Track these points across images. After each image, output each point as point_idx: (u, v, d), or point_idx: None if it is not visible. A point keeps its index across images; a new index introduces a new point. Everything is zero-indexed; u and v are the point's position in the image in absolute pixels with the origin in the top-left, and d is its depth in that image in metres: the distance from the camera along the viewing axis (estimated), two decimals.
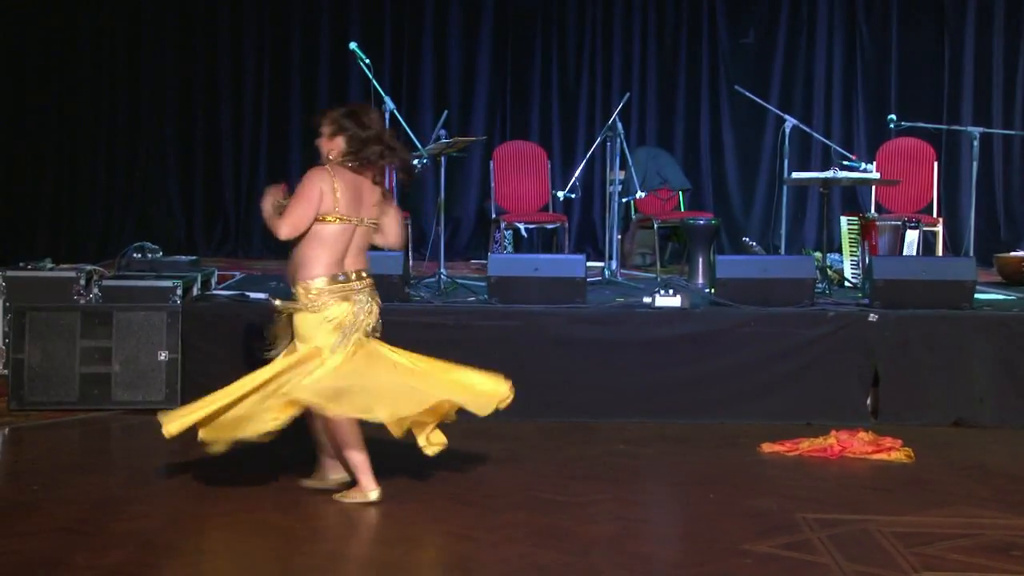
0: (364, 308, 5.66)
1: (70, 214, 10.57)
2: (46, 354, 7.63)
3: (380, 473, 5.99)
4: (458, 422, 7.37)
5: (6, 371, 7.94)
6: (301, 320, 5.56)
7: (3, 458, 7.02)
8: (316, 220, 5.44)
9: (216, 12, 10.91)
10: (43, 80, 10.54)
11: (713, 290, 8.13)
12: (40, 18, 10.49)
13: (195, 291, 8.30)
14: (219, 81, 10.96)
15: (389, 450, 6.71)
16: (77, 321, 7.70)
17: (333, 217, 5.46)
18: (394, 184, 6.54)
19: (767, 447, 6.94)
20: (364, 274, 5.68)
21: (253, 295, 8.02)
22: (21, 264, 8.87)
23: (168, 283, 8.17)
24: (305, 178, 5.50)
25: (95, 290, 8.38)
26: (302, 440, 6.15)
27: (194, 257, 8.92)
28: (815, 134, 10.16)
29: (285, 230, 5.44)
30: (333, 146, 5.57)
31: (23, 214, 10.46)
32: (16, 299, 8.21)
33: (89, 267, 8.78)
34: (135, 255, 8.85)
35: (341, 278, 5.53)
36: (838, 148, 9.78)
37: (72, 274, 8.56)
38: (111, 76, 10.74)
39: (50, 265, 8.89)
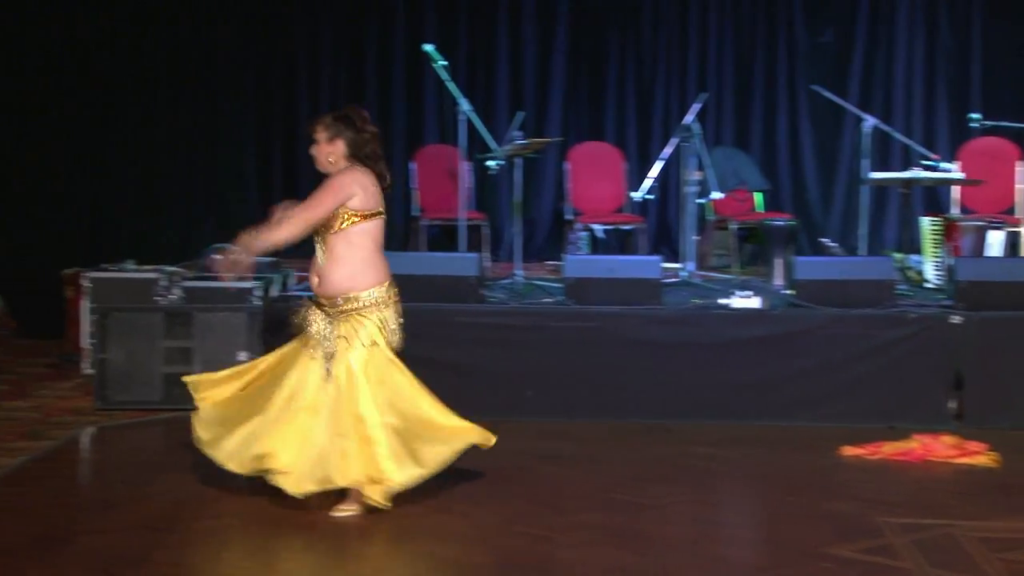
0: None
1: (152, 216, 10.71)
2: (129, 354, 7.75)
3: (455, 474, 6.01)
4: (534, 422, 7.40)
5: (91, 371, 8.08)
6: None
7: (88, 456, 7.14)
8: (363, 218, 5.53)
9: (293, 13, 11.00)
10: (123, 83, 10.69)
11: (792, 291, 8.05)
12: (116, 16, 10.64)
13: (274, 292, 8.38)
14: (296, 83, 11.05)
15: (467, 452, 6.73)
16: (159, 322, 7.81)
17: (374, 211, 5.57)
18: None
19: (848, 450, 6.87)
20: None
21: None
22: (105, 266, 9.01)
23: (247, 284, 8.26)
24: (337, 176, 5.54)
25: (177, 291, 8.49)
26: None
27: (273, 258, 8.99)
28: (895, 133, 10.03)
29: (306, 218, 5.48)
30: (333, 149, 5.61)
31: (107, 216, 10.62)
32: (100, 300, 8.34)
33: (171, 268, 8.90)
34: (216, 256, 8.93)
35: (388, 283, 5.68)
36: (919, 147, 9.64)
37: (154, 275, 8.68)
38: (191, 78, 10.87)
39: (133, 267, 9.03)
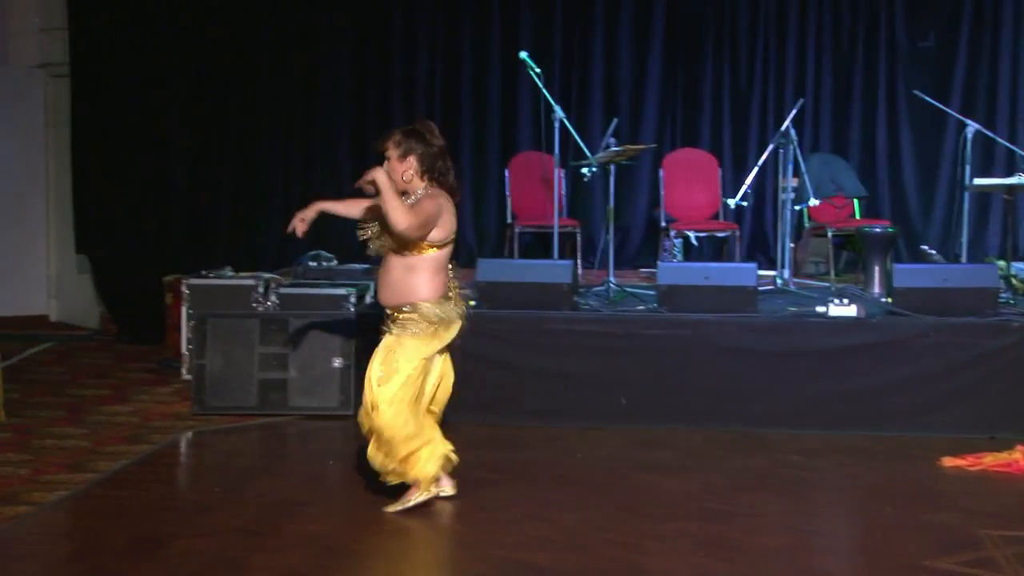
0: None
1: (249, 222, 10.85)
2: (227, 360, 7.85)
3: (546, 481, 6.00)
4: (627, 430, 7.38)
5: (189, 376, 8.21)
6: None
7: (186, 461, 7.25)
8: (434, 248, 5.59)
9: (390, 21, 11.06)
10: (222, 91, 10.85)
11: (890, 299, 7.92)
12: (219, 26, 10.81)
13: (368, 299, 8.44)
14: (391, 91, 11.11)
15: (559, 459, 6.74)
16: (256, 328, 7.90)
17: (446, 241, 5.62)
18: None
19: (948, 461, 6.73)
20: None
21: None
22: (203, 272, 9.16)
23: (342, 291, 8.34)
24: (427, 199, 5.57)
25: (273, 298, 8.60)
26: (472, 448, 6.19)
27: (367, 265, 9.07)
28: (999, 139, 9.82)
29: (412, 228, 5.45)
30: (407, 166, 5.60)
31: (205, 223, 10.79)
32: (198, 306, 8.48)
33: (267, 275, 9.03)
34: (311, 263, 9.06)
35: (450, 295, 5.74)
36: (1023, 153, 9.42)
37: (251, 282, 8.81)
38: (288, 86, 10.99)
39: (230, 273, 9.16)
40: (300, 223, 5.84)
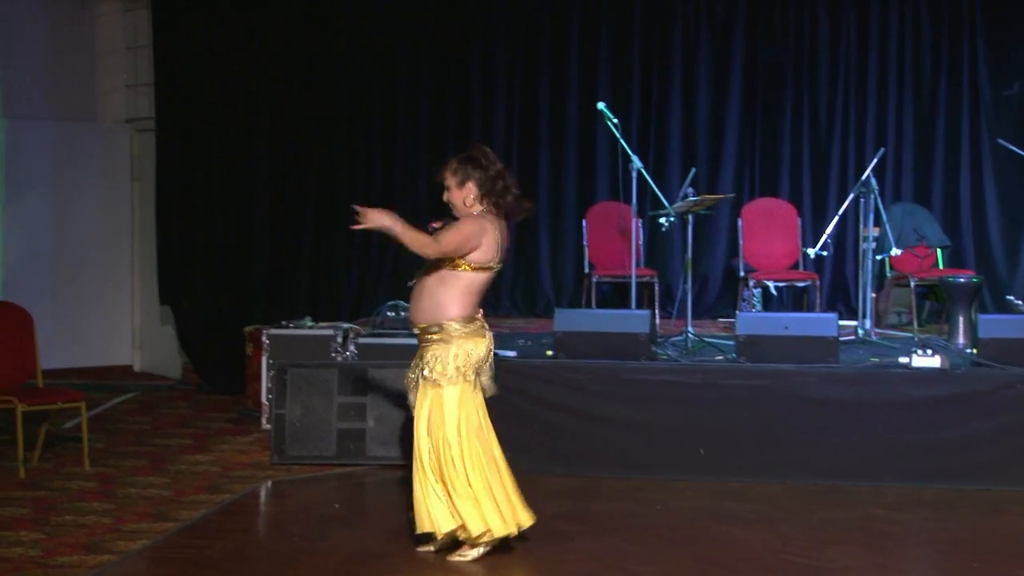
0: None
1: (328, 273, 10.95)
2: (306, 409, 7.91)
3: (627, 533, 5.94)
4: (706, 481, 7.30)
5: (269, 426, 8.27)
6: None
7: (266, 509, 7.29)
8: (472, 269, 5.54)
9: (468, 73, 11.16)
10: (302, 144, 10.99)
11: (975, 350, 7.79)
12: (300, 81, 10.97)
13: None
14: (470, 142, 11.13)
15: (638, 510, 6.69)
16: (335, 378, 7.95)
17: (486, 265, 5.57)
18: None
19: None
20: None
21: (502, 352, 8.09)
22: (283, 323, 9.25)
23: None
24: (472, 219, 5.56)
25: (351, 348, 8.66)
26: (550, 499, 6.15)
27: None
28: None
29: (445, 247, 5.49)
30: (466, 193, 5.61)
31: (285, 274, 10.91)
32: (278, 356, 8.56)
33: (346, 325, 9.10)
34: (389, 313, 9.11)
35: (477, 318, 5.68)
36: None
37: (330, 332, 8.89)
38: (367, 139, 11.11)
39: (310, 323, 9.24)
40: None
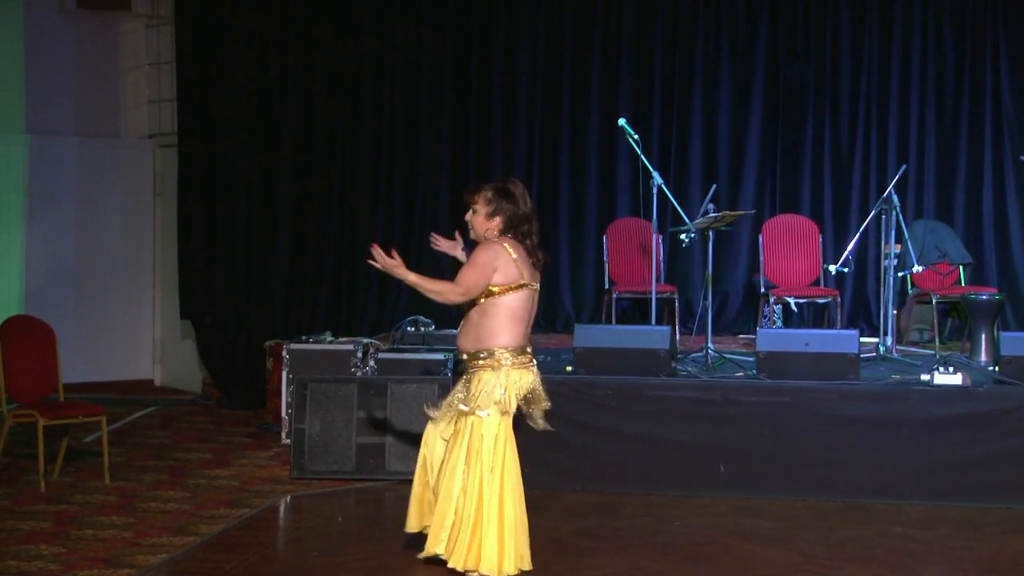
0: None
1: (348, 288, 10.97)
2: (325, 424, 7.91)
3: (646, 550, 5.91)
4: (727, 498, 7.28)
5: (289, 440, 8.28)
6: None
7: (285, 524, 7.30)
8: (503, 291, 5.49)
9: (490, 86, 11.19)
10: (323, 161, 11.02)
11: (997, 368, 7.74)
12: (321, 99, 11.02)
13: None
14: (491, 158, 11.21)
15: (658, 526, 6.67)
16: (354, 393, 7.96)
17: (516, 283, 5.50)
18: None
19: None
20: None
21: None
22: (303, 338, 9.26)
23: (440, 356, 8.37)
24: (483, 247, 5.54)
25: (371, 363, 8.67)
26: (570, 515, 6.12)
27: None
28: None
29: (465, 290, 5.48)
30: (492, 225, 5.58)
31: (305, 290, 10.93)
32: (298, 371, 8.57)
33: (366, 340, 9.11)
34: (409, 328, 9.12)
35: (528, 350, 5.64)
36: None
37: (350, 347, 8.89)
38: (389, 155, 11.14)
39: (330, 338, 9.26)
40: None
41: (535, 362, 5.65)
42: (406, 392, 7.85)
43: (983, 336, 8.63)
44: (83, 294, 11.51)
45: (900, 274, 9.04)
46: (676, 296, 9.98)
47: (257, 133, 10.97)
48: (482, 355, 5.51)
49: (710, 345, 8.55)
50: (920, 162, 10.81)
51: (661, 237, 10.02)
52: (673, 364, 7.99)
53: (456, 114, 11.22)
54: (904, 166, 9.39)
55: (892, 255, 8.77)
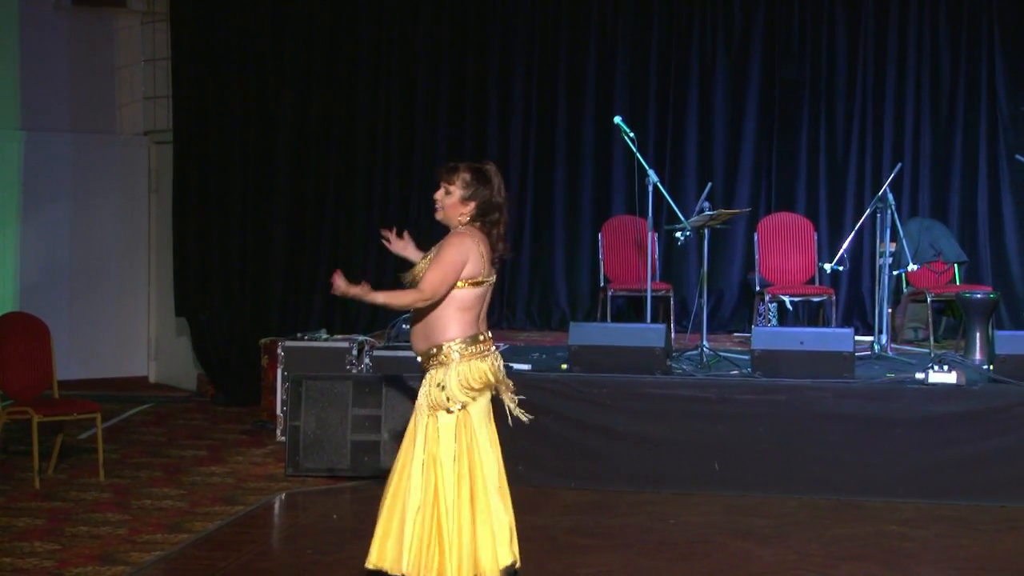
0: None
1: None
2: (320, 422, 7.91)
3: (640, 548, 5.92)
4: (721, 496, 7.29)
5: (284, 438, 8.28)
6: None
7: (280, 522, 7.30)
8: (465, 285, 5.05)
9: (485, 85, 11.18)
10: (320, 159, 11.01)
11: (992, 366, 7.75)
12: (317, 96, 11.02)
13: None
14: (486, 155, 11.17)
15: (653, 524, 6.68)
16: (349, 390, 7.95)
17: (476, 279, 5.06)
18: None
19: None
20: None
21: (516, 366, 8.11)
22: (298, 335, 9.26)
23: None
24: (452, 243, 5.08)
25: (366, 360, 8.67)
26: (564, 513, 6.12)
27: None
28: None
29: (426, 299, 5.02)
30: (465, 210, 5.13)
31: (301, 286, 10.92)
32: (293, 369, 8.57)
33: (361, 338, 9.11)
34: (404, 326, 9.09)
35: (481, 338, 5.12)
36: None
37: (345, 345, 8.90)
38: (385, 151, 11.13)
39: (325, 336, 9.26)
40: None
41: (493, 349, 5.16)
42: (401, 389, 7.84)
43: (978, 334, 8.64)
44: (78, 291, 11.50)
45: (895, 272, 9.05)
46: (671, 294, 9.99)
47: (253, 130, 10.97)
48: (432, 352, 5.09)
49: (705, 343, 8.56)
50: (915, 160, 10.82)
51: (656, 235, 10.02)
52: (668, 362, 8.00)
53: (452, 111, 11.22)
54: (899, 164, 9.40)
55: (887, 253, 8.78)
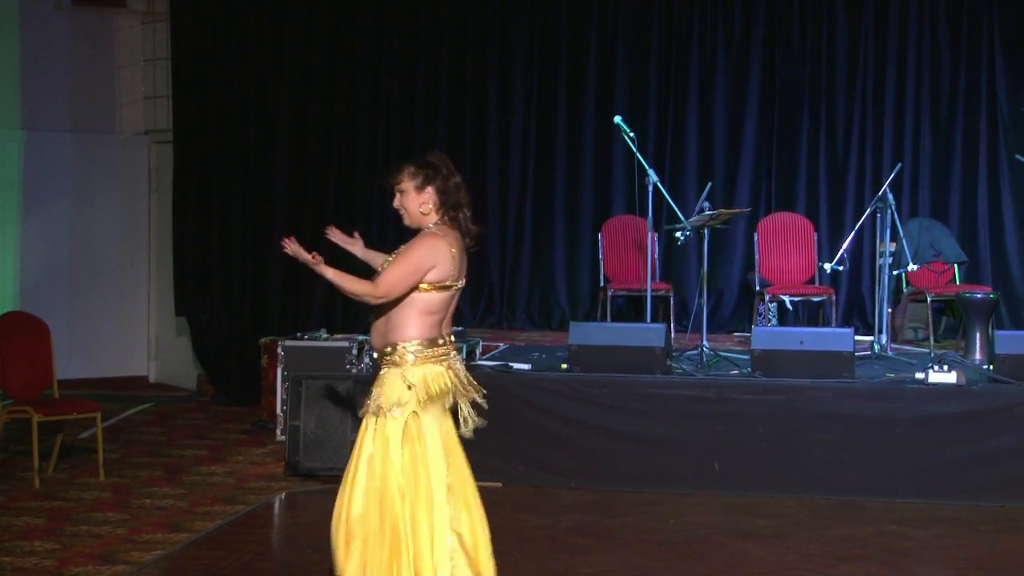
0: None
1: None
2: (320, 421, 7.91)
3: (639, 547, 5.91)
4: (721, 496, 7.28)
5: (284, 437, 8.28)
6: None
7: (280, 521, 7.30)
8: (431, 288, 4.78)
9: (485, 84, 11.18)
10: (320, 159, 11.02)
11: (992, 366, 7.75)
12: (318, 97, 11.02)
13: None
14: (486, 154, 11.20)
15: (652, 524, 6.68)
16: (350, 389, 7.95)
17: (443, 284, 4.79)
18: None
19: None
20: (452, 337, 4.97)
21: (516, 365, 8.13)
22: (298, 335, 9.27)
23: None
24: (422, 243, 4.82)
25: (366, 359, 8.67)
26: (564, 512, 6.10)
27: (459, 328, 9.11)
28: None
29: (378, 296, 4.76)
30: (425, 198, 4.88)
31: (301, 286, 10.92)
32: (293, 368, 8.57)
33: (361, 337, 9.10)
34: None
35: (440, 341, 4.84)
36: None
37: (345, 344, 8.90)
38: (385, 149, 11.12)
39: (325, 335, 9.26)
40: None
41: (454, 353, 4.88)
42: None
43: (977, 334, 8.64)
44: (78, 290, 11.50)
45: (895, 272, 9.04)
46: (671, 294, 9.99)
47: (252, 129, 10.97)
48: (387, 351, 4.81)
49: (705, 343, 8.56)
50: (915, 160, 10.82)
51: (656, 235, 10.03)
52: (668, 362, 7.99)
53: (452, 111, 11.22)
54: (900, 164, 9.40)
55: (887, 253, 8.78)
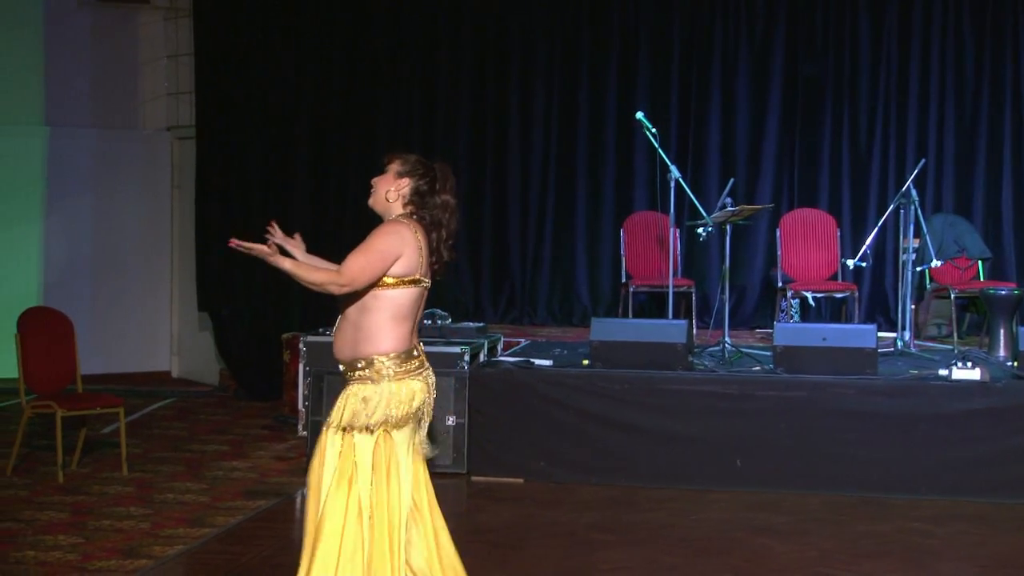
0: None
1: None
2: None
3: (661, 544, 5.90)
4: (742, 492, 7.27)
5: (305, 432, 8.30)
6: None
7: (301, 517, 7.25)
8: (398, 284, 4.44)
9: (507, 81, 11.18)
10: (341, 153, 11.03)
11: (1016, 363, 7.71)
12: (340, 91, 11.02)
13: (482, 357, 8.47)
14: (508, 150, 11.21)
15: (674, 521, 6.66)
16: None
17: (410, 278, 4.45)
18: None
19: None
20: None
21: (538, 361, 8.12)
22: (321, 330, 9.27)
23: (456, 349, 8.36)
24: (385, 230, 4.50)
25: None
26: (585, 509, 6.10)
27: (481, 324, 9.11)
28: None
29: (342, 284, 4.48)
30: (398, 186, 4.59)
31: None
32: (315, 363, 8.57)
33: None
34: (425, 321, 9.10)
35: (415, 353, 4.52)
36: None
37: None
38: (406, 144, 11.05)
39: None
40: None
41: (427, 365, 4.56)
42: None
43: (1001, 331, 8.59)
44: (101, 286, 11.56)
45: (918, 269, 9.00)
46: (693, 290, 9.97)
47: (274, 125, 10.99)
48: (359, 364, 4.47)
49: (727, 339, 8.54)
50: (939, 156, 10.77)
51: (678, 231, 10.00)
52: (690, 358, 7.98)
53: (474, 109, 11.23)
54: (923, 160, 9.35)
55: (910, 249, 8.74)
